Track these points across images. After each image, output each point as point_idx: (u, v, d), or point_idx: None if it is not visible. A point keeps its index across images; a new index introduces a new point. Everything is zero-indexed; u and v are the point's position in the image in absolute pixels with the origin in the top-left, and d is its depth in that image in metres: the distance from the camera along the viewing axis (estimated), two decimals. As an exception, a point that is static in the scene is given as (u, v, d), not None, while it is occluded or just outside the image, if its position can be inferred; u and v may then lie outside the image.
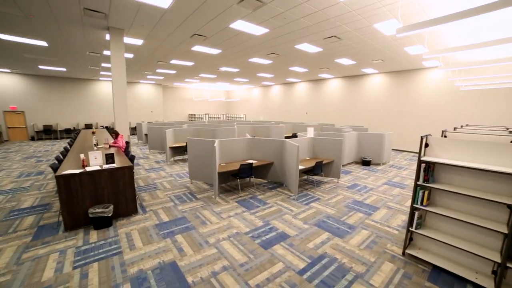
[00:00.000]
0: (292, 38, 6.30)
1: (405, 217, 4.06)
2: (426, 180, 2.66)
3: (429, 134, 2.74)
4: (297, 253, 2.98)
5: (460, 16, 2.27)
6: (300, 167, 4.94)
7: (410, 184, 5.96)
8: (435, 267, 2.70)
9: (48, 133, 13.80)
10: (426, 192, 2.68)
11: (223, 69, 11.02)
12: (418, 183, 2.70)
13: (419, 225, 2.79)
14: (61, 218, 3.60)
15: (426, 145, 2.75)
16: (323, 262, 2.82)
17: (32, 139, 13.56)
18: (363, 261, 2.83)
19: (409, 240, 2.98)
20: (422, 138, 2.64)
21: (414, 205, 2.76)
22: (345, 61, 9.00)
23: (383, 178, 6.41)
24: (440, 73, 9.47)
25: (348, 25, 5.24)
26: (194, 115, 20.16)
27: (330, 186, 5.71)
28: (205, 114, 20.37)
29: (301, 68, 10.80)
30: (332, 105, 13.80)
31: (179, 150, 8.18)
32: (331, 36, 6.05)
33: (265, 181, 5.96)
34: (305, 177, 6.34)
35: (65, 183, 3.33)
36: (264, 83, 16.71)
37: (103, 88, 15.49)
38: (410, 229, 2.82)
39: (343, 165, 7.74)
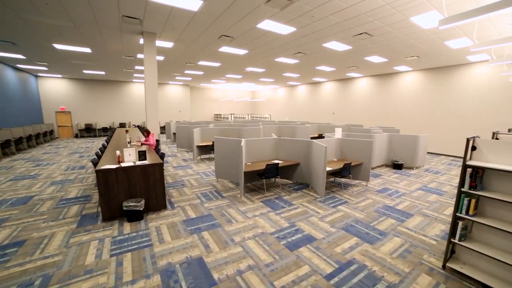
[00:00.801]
0: (320, 37, 6.13)
1: (444, 227, 3.72)
2: (473, 187, 2.39)
3: (477, 136, 2.46)
4: (324, 257, 2.88)
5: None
6: (328, 168, 4.78)
7: (449, 190, 5.46)
8: (485, 287, 2.41)
9: (88, 131, 15.14)
10: (473, 201, 2.40)
11: (249, 69, 11.13)
12: (462, 190, 2.44)
13: (463, 237, 2.52)
14: (99, 209, 3.90)
15: (473, 148, 2.47)
16: (352, 268, 2.68)
17: (76, 136, 14.99)
18: (396, 271, 2.64)
19: (451, 252, 2.71)
20: (468, 140, 2.38)
21: (458, 214, 2.49)
22: (375, 59, 8.54)
23: (417, 183, 5.96)
24: (490, 68, 8.47)
25: (380, 20, 4.95)
26: (220, 115, 20.64)
27: (359, 189, 5.45)
28: (231, 114, 20.74)
29: (328, 67, 10.48)
30: (361, 105, 13.19)
31: (206, 149, 8.42)
32: (362, 33, 5.78)
33: (291, 182, 5.88)
34: (332, 179, 6.13)
35: (103, 177, 3.60)
36: (290, 83, 16.53)
37: (136, 89, 16.57)
38: (452, 240, 2.56)
39: (372, 168, 7.34)
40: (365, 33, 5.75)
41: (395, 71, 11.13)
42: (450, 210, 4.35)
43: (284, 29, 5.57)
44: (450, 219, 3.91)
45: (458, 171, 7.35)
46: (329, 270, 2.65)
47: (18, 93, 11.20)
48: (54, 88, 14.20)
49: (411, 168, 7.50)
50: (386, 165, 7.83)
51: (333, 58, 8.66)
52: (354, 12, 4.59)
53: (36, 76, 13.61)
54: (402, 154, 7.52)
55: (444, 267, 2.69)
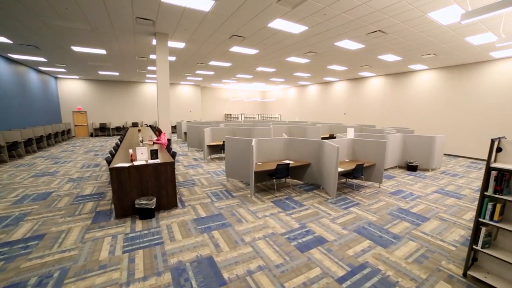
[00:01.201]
0: (332, 35, 6.03)
1: (464, 232, 3.54)
2: (498, 191, 2.25)
3: (503, 137, 2.32)
4: (336, 259, 2.82)
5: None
6: (339, 169, 4.68)
7: (468, 194, 5.21)
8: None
9: (103, 130, 15.62)
10: (499, 206, 2.25)
11: (260, 69, 11.11)
12: (486, 194, 2.30)
13: (487, 244, 2.37)
14: (112, 207, 3.99)
15: (499, 150, 2.33)
16: (365, 272, 2.60)
17: (91, 135, 15.51)
18: (411, 277, 2.54)
19: (472, 260, 2.57)
20: (493, 141, 2.24)
21: (480, 220, 2.36)
22: (389, 58, 8.31)
23: (433, 186, 5.74)
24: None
25: (395, 17, 4.80)
26: (230, 115, 20.75)
27: (371, 191, 5.31)
28: (241, 114, 20.81)
29: (340, 67, 10.30)
30: (373, 105, 12.88)
31: (216, 149, 8.47)
32: (375, 31, 5.63)
33: (301, 183, 5.81)
34: (344, 180, 6.01)
35: (116, 175, 3.68)
36: (301, 82, 16.38)
37: (148, 89, 16.94)
38: (474, 247, 2.42)
39: (385, 170, 7.14)
40: (379, 31, 5.60)
41: (410, 70, 10.78)
42: (470, 215, 4.15)
43: (295, 28, 5.51)
44: (470, 224, 3.75)
45: (478, 173, 7.01)
46: (341, 273, 2.58)
47: (39, 94, 11.77)
48: (72, 89, 14.75)
49: (426, 170, 7.24)
50: (400, 167, 7.60)
51: (345, 57, 8.49)
52: (367, 9, 4.47)
53: (56, 78, 14.20)
54: (417, 155, 7.27)
55: (465, 275, 2.55)
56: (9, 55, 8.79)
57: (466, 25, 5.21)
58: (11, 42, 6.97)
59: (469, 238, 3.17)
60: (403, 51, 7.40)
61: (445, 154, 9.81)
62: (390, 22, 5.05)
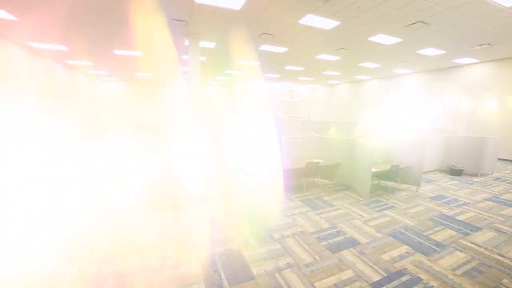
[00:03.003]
0: (366, 30, 5.74)
1: (531, 248, 3.06)
2: None
3: None
4: (370, 263, 2.64)
5: None
6: (372, 169, 4.41)
7: (532, 204, 4.53)
8: None
9: (138, 129, 16.79)
10: None
11: (288, 68, 11.02)
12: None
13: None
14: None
15: None
16: (403, 279, 2.40)
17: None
18: (461, 290, 2.27)
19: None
20: None
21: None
22: (430, 52, 7.64)
23: (484, 193, 5.11)
24: None
25: (441, 4, 4.38)
26: (256, 115, 20.85)
27: (408, 194, 4.91)
28: (267, 114, 20.77)
29: (373, 64, 9.76)
30: (409, 105, 11.97)
31: (242, 147, 8.55)
32: (415, 22, 5.22)
33: (331, 183, 5.59)
34: (377, 181, 5.66)
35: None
36: (330, 81, 15.88)
37: (178, 90, 17.76)
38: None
39: (423, 173, 6.55)
40: (420, 22, 5.17)
41: (455, 65, 9.78)
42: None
43: (327, 23, 5.35)
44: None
45: (546, 182, 6.07)
46: (376, 277, 2.41)
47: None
48: (112, 90, 16.15)
49: (474, 175, 6.48)
50: (440, 170, 6.93)
51: (379, 53, 8.02)
52: (408, -2, 4.16)
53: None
54: (463, 158, 6.55)
55: (535, 298, 2.18)
56: (65, 61, 9.93)
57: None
58: (68, 49, 7.85)
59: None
60: (448, 43, 6.74)
61: (499, 159, 8.72)
62: (434, 10, 4.63)
